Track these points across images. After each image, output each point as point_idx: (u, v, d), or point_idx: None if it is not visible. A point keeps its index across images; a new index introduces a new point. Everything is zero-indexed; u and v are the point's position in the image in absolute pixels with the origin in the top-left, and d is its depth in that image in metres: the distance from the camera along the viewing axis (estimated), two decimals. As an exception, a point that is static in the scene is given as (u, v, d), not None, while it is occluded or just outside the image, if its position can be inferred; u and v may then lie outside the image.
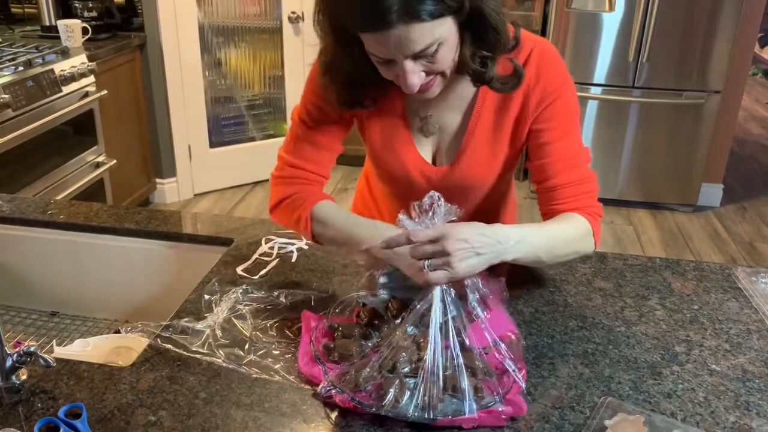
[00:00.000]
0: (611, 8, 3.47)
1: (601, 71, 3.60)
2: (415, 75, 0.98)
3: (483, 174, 1.19)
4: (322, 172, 1.21)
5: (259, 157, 3.93)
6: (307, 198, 1.16)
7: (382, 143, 1.20)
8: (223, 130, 3.85)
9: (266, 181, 3.99)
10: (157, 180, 3.64)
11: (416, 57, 0.96)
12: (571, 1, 3.52)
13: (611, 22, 3.49)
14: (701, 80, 3.52)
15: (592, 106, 3.70)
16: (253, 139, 3.94)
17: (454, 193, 1.21)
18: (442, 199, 0.97)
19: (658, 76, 3.54)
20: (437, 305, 0.93)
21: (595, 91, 3.65)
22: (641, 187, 3.79)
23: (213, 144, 3.80)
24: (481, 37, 1.00)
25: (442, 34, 0.95)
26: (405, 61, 0.96)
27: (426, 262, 0.93)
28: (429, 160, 1.20)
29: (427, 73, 1.00)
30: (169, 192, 3.70)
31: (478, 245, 0.95)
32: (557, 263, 1.19)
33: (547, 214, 1.15)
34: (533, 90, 1.10)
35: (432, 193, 0.97)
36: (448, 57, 0.99)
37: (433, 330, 0.92)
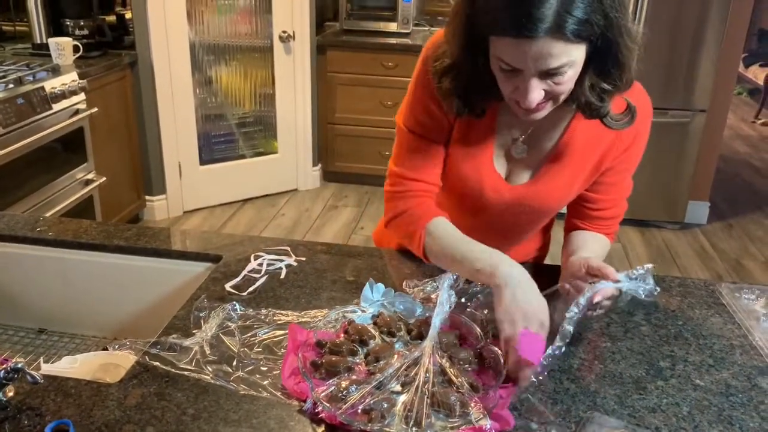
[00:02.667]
0: (598, 28, 3.52)
1: (588, 90, 3.64)
2: (536, 91, 0.97)
3: (557, 198, 1.21)
4: (434, 181, 1.21)
5: (249, 175, 3.94)
6: (421, 215, 1.18)
7: (463, 154, 1.18)
8: (214, 147, 3.86)
9: (257, 198, 4.00)
10: (147, 197, 3.64)
11: (545, 74, 0.95)
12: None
13: (598, 42, 3.53)
14: (687, 99, 3.58)
15: (580, 125, 3.74)
16: (243, 157, 3.95)
17: (521, 214, 1.24)
18: None
19: (644, 95, 3.59)
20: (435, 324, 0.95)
21: (582, 109, 3.69)
22: (628, 204, 3.81)
23: (203, 161, 3.81)
24: (606, 70, 0.99)
25: (576, 57, 0.94)
26: (533, 77, 0.95)
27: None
28: (504, 177, 1.21)
29: (549, 94, 0.99)
30: (159, 209, 3.70)
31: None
32: None
33: (571, 225, 1.25)
34: (627, 130, 1.12)
35: None
36: (571, 82, 0.98)
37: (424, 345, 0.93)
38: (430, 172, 1.20)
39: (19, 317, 1.45)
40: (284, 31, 3.78)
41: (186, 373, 0.99)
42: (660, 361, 1.06)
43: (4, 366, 0.91)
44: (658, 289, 1.03)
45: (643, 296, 1.02)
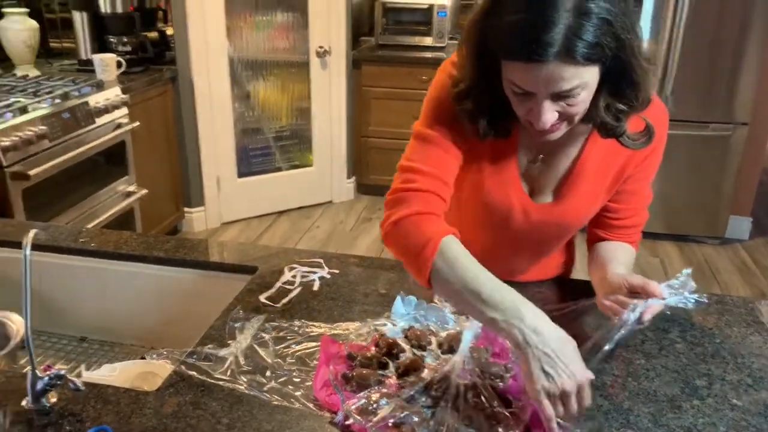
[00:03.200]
0: (635, 41, 3.48)
1: (626, 103, 3.60)
2: (549, 113, 0.97)
3: (582, 215, 1.22)
4: (447, 178, 1.10)
5: (284, 187, 3.99)
6: (433, 227, 1.01)
7: (489, 173, 1.18)
8: (251, 160, 3.93)
9: (293, 210, 4.05)
10: (186, 209, 3.72)
11: (557, 97, 0.96)
12: (595, 35, 3.54)
13: (635, 55, 3.50)
14: (728, 112, 3.51)
15: (617, 138, 3.69)
16: (279, 170, 4.01)
17: (548, 231, 1.24)
18: None
19: (683, 108, 3.53)
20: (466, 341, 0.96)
21: (620, 122, 3.65)
22: (667, 218, 3.76)
23: (241, 174, 3.87)
24: (621, 90, 1.00)
25: (588, 79, 0.94)
26: (545, 99, 0.96)
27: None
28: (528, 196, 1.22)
29: (561, 116, 0.99)
30: (197, 221, 3.77)
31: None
32: None
33: (593, 236, 1.25)
34: None
35: None
36: (585, 103, 0.98)
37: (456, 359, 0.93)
38: (445, 169, 1.09)
39: (62, 326, 1.50)
40: (321, 47, 3.83)
41: (221, 383, 1.01)
42: (696, 380, 1.04)
43: (48, 373, 0.94)
44: (705, 296, 1.02)
45: (693, 307, 1.01)
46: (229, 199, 3.85)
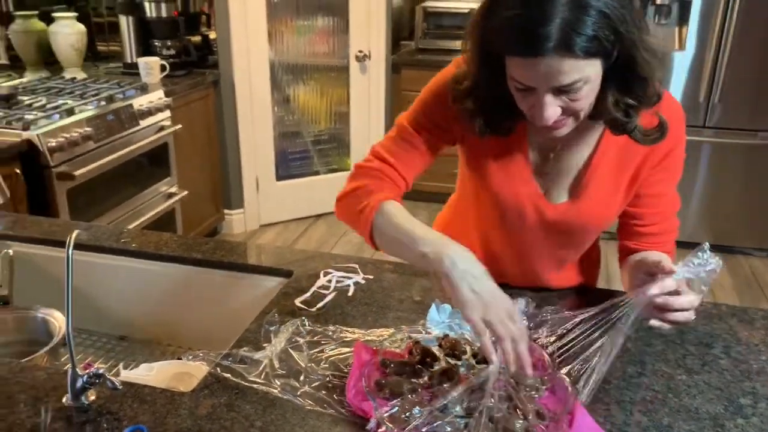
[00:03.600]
0: (681, 47, 3.41)
1: (670, 110, 3.52)
2: (551, 108, 0.97)
3: (602, 213, 1.19)
4: (406, 174, 1.20)
5: (322, 191, 4.01)
6: (377, 193, 1.13)
7: (498, 172, 1.18)
8: (290, 163, 3.96)
9: (329, 213, 4.06)
10: (225, 211, 3.77)
11: (558, 91, 0.96)
12: (640, 40, 3.48)
13: (682, 61, 3.42)
14: (778, 120, 3.40)
15: (660, 146, 3.61)
16: (317, 173, 4.03)
17: (567, 233, 1.22)
18: None
19: (731, 115, 3.44)
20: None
21: (664, 130, 3.57)
22: (712, 229, 3.66)
23: (279, 177, 3.91)
24: (628, 85, 0.99)
25: (589, 73, 0.94)
26: (546, 94, 0.96)
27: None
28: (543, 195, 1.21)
29: (564, 111, 0.99)
30: (237, 222, 3.82)
31: None
32: None
33: (624, 249, 1.21)
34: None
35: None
36: (588, 98, 0.98)
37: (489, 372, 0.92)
38: (407, 163, 1.18)
39: (103, 324, 1.53)
40: (360, 51, 3.84)
41: (255, 386, 1.01)
42: (740, 398, 1.01)
43: (87, 371, 0.96)
44: (721, 263, 0.98)
45: (705, 277, 0.98)
46: (268, 201, 3.89)
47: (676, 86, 3.46)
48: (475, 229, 1.31)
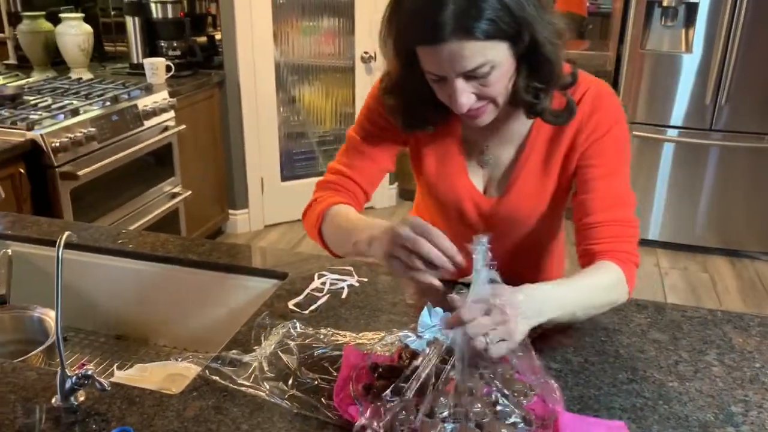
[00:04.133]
0: (688, 49, 3.39)
1: (678, 113, 3.51)
2: (464, 94, 1.00)
3: (531, 207, 1.20)
4: (362, 182, 1.24)
5: (327, 192, 4.02)
6: (325, 201, 1.20)
7: (436, 170, 1.22)
8: (295, 164, 3.97)
9: (334, 214, 4.07)
10: (230, 211, 3.78)
11: (468, 77, 0.99)
12: (646, 42, 3.46)
13: (689, 63, 3.40)
14: (786, 124, 3.38)
15: (668, 149, 3.60)
16: (322, 174, 4.01)
17: (501, 225, 1.23)
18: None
19: (738, 119, 3.42)
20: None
21: (671, 133, 3.55)
22: (719, 232, 3.64)
23: (284, 177, 3.92)
24: (536, 68, 1.02)
25: (495, 57, 0.97)
26: (456, 80, 0.99)
27: (487, 338, 0.92)
28: (481, 190, 1.22)
29: (479, 97, 1.02)
30: (241, 223, 3.83)
31: (525, 309, 0.95)
32: (594, 315, 1.15)
33: (583, 254, 1.15)
34: (585, 125, 1.12)
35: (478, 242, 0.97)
36: (500, 83, 1.01)
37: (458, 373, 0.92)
38: (361, 171, 1.23)
39: (100, 324, 1.54)
40: (366, 52, 3.84)
41: (243, 388, 1.01)
42: (732, 406, 1.00)
43: (76, 372, 0.97)
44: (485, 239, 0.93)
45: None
46: (273, 202, 3.90)
47: (684, 89, 3.44)
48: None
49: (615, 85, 3.65)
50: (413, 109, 1.13)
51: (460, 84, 0.99)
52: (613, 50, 3.76)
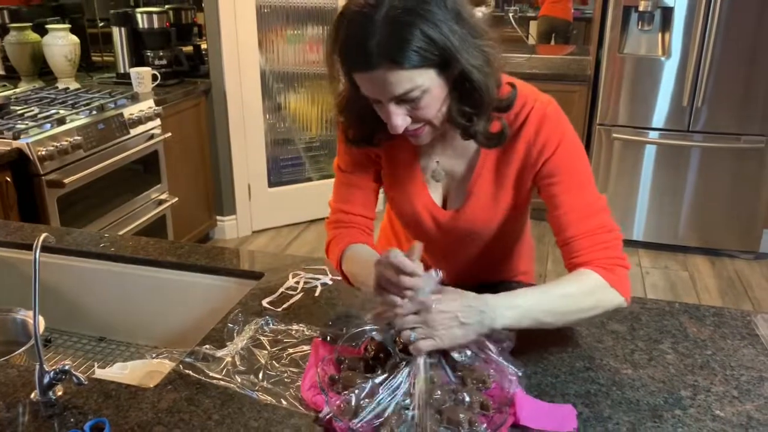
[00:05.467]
0: (665, 53, 3.46)
1: (659, 116, 3.57)
2: (398, 117, 1.04)
3: (487, 219, 1.24)
4: (361, 211, 1.30)
5: (315, 197, 4.06)
6: (341, 241, 1.26)
7: (395, 184, 1.27)
8: (282, 170, 4.01)
9: (321, 219, 4.11)
10: (218, 217, 3.82)
11: (400, 101, 1.03)
12: (624, 47, 3.53)
13: (668, 67, 3.47)
14: (763, 124, 3.44)
15: (650, 151, 3.66)
16: (310, 180, 4.09)
17: (461, 236, 1.28)
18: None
19: (716, 120, 3.49)
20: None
21: (653, 135, 3.62)
22: (700, 232, 3.70)
23: (271, 183, 3.96)
24: (466, 94, 1.05)
25: (424, 83, 1.00)
26: (389, 104, 1.03)
27: (412, 334, 0.99)
28: (439, 203, 1.26)
29: (414, 120, 1.06)
30: (229, 229, 3.87)
31: (462, 315, 1.01)
32: (576, 322, 1.17)
33: (569, 268, 1.16)
34: (534, 144, 1.15)
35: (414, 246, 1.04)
36: (432, 106, 1.04)
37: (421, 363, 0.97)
38: (357, 203, 1.29)
39: (83, 326, 1.58)
40: (351, 59, 3.89)
41: (215, 381, 1.06)
42: (681, 390, 1.05)
43: (54, 368, 1.01)
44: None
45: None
46: (260, 208, 3.94)
47: (665, 91, 3.51)
48: (402, 237, 1.44)
49: (595, 88, 3.72)
50: (361, 126, 1.17)
51: (393, 108, 1.04)
52: (593, 54, 3.82)
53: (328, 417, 0.96)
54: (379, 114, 1.09)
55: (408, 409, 0.96)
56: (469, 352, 1.03)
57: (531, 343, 1.17)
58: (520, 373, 1.02)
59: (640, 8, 3.40)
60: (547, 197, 1.18)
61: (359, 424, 0.93)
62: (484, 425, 0.94)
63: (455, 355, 1.03)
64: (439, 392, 0.98)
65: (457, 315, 1.00)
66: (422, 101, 1.03)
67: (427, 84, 1.01)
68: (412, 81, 1.00)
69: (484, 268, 1.36)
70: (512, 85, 1.13)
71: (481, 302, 1.03)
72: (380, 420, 0.94)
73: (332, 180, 1.34)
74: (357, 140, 1.20)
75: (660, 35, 3.49)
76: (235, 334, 1.17)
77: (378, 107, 1.07)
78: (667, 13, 3.40)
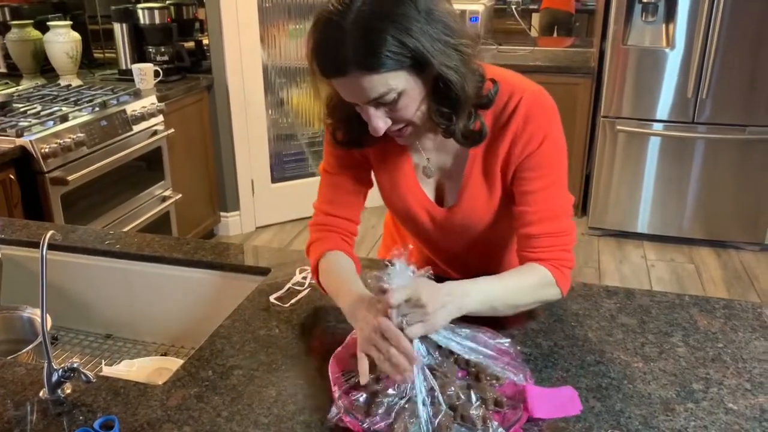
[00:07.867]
0: (669, 44, 3.44)
1: (663, 107, 3.55)
2: (378, 119, 1.04)
3: (482, 213, 1.23)
4: (346, 214, 1.28)
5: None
6: (321, 246, 1.26)
7: (389, 184, 1.26)
8: (285, 166, 4.01)
9: (325, 215, 4.11)
10: (222, 213, 3.81)
11: (378, 104, 1.02)
12: (627, 38, 3.51)
13: (672, 58, 3.45)
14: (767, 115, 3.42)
15: (654, 143, 3.64)
16: (313, 175, 4.07)
17: (456, 230, 1.27)
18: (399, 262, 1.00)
19: (720, 111, 3.47)
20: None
21: (657, 127, 3.60)
22: (705, 224, 3.68)
23: (275, 179, 3.95)
24: (442, 94, 1.04)
25: (398, 85, 0.99)
26: (367, 107, 1.03)
27: (404, 319, 0.97)
28: (433, 198, 1.25)
29: (395, 121, 1.06)
30: (233, 225, 3.86)
31: (446, 301, 1.00)
32: (517, 312, 1.17)
33: (521, 258, 1.18)
34: (519, 137, 1.13)
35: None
36: (410, 107, 1.03)
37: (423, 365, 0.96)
38: (341, 205, 1.28)
39: (90, 323, 1.57)
40: (353, 53, 3.88)
41: (225, 378, 1.05)
42: (693, 384, 1.04)
43: (62, 366, 1.01)
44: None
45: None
46: (264, 203, 3.94)
47: (669, 83, 3.49)
48: (405, 235, 1.43)
49: (599, 80, 3.70)
50: (349, 127, 1.16)
51: (372, 110, 1.03)
52: (596, 46, 3.80)
53: (339, 413, 0.95)
54: (362, 116, 1.08)
55: (423, 406, 0.95)
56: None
57: (540, 336, 1.16)
58: (507, 343, 1.05)
59: (644, -1, 3.38)
60: (519, 192, 1.17)
61: (372, 421, 0.92)
62: (497, 422, 0.93)
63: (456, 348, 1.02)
64: (452, 388, 0.97)
65: (444, 302, 0.99)
66: (399, 103, 1.02)
67: (402, 86, 1.00)
68: (386, 84, 0.99)
69: (483, 261, 1.35)
70: (494, 81, 1.11)
71: (456, 289, 1.04)
72: (394, 416, 0.93)
73: (334, 176, 1.32)
74: (345, 142, 1.19)
75: (664, 26, 3.48)
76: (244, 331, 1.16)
77: (359, 109, 1.07)
78: (671, 4, 3.38)
